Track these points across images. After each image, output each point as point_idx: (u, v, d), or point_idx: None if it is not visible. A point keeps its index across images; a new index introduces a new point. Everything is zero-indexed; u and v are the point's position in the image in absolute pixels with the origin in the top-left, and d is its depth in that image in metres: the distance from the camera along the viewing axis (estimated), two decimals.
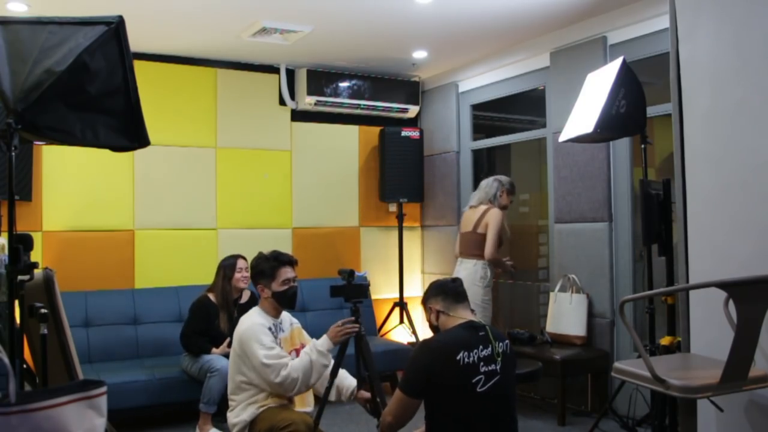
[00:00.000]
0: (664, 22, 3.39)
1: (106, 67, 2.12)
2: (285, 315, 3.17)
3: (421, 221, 6.40)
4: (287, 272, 3.05)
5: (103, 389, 1.74)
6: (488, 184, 4.76)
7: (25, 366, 2.47)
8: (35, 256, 2.11)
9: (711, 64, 2.82)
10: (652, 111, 3.85)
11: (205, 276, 4.86)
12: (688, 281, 2.90)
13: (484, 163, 6.15)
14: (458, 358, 2.34)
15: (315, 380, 2.89)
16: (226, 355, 3.78)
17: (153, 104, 4.87)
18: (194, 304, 4.38)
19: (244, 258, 4.40)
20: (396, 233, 6.11)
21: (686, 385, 2.29)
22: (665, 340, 3.34)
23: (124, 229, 5.12)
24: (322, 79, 5.69)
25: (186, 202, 5.34)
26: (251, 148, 5.62)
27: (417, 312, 5.99)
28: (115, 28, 2.14)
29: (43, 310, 2.20)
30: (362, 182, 6.13)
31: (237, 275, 4.38)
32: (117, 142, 2.21)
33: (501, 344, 2.46)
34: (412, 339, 5.75)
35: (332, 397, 2.98)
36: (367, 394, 2.97)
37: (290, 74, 5.77)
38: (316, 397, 3.12)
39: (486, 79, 5.67)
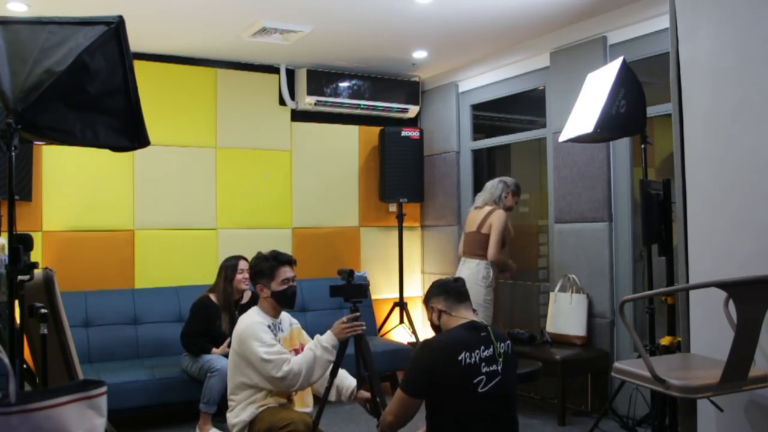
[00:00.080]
0: (664, 22, 3.39)
1: (106, 67, 2.12)
2: (284, 315, 3.16)
3: (421, 221, 6.40)
4: (286, 272, 3.04)
5: (103, 389, 1.74)
6: (493, 185, 4.76)
7: (25, 366, 2.47)
8: (35, 256, 2.11)
9: (711, 64, 2.82)
10: (652, 111, 3.85)
11: (205, 276, 4.86)
12: (688, 281, 2.90)
13: (484, 163, 6.14)
14: (460, 358, 2.34)
15: (318, 376, 2.88)
16: (226, 355, 3.77)
17: (153, 104, 4.87)
18: (195, 305, 4.38)
19: (246, 259, 4.39)
20: (396, 233, 6.11)
21: (686, 385, 2.29)
22: (665, 340, 3.34)
23: (124, 229, 5.12)
24: (322, 79, 5.69)
25: (186, 202, 5.34)
26: (251, 148, 5.62)
27: (417, 312, 5.99)
28: (115, 28, 2.14)
29: (43, 310, 2.20)
30: (362, 182, 6.13)
31: (238, 276, 4.38)
32: (117, 142, 2.21)
33: (502, 345, 2.46)
34: (412, 339, 5.75)
35: (332, 397, 2.97)
36: (366, 394, 2.96)
37: (290, 74, 5.77)
38: (316, 398, 3.12)
39: (486, 79, 5.67)
